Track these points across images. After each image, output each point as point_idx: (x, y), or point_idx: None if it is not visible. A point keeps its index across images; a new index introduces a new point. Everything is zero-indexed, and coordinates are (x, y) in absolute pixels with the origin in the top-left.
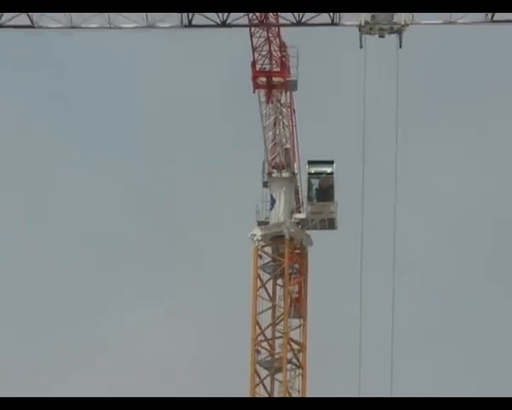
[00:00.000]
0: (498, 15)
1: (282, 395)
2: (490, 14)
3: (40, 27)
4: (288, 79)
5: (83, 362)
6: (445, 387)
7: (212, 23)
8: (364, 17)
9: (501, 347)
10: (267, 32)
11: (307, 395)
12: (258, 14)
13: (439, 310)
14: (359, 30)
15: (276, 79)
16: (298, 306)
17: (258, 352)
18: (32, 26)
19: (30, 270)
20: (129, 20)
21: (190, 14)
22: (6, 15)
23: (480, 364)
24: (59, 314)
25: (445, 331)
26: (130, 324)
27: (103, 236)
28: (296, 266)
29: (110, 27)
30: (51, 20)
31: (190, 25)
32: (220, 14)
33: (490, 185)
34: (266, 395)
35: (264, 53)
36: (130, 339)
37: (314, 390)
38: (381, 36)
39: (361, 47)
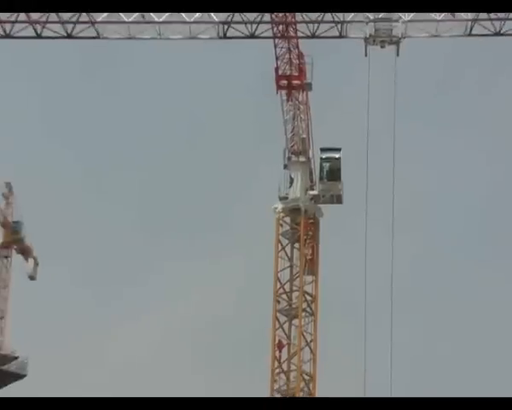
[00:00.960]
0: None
1: (297, 338)
2: (469, 29)
3: (105, 38)
4: (304, 81)
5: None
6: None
7: (242, 35)
8: (369, 30)
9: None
10: (288, 44)
11: (318, 338)
12: (280, 27)
13: (436, 271)
14: (364, 41)
15: (295, 82)
16: (311, 265)
17: (279, 302)
18: (97, 37)
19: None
20: (175, 32)
21: (226, 27)
22: (78, 27)
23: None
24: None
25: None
26: (181, 280)
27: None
28: (310, 233)
29: (160, 38)
30: (113, 32)
31: (225, 36)
32: (249, 27)
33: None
34: (285, 337)
35: (285, 60)
36: (183, 292)
37: (324, 334)
38: (382, 46)
39: (366, 55)
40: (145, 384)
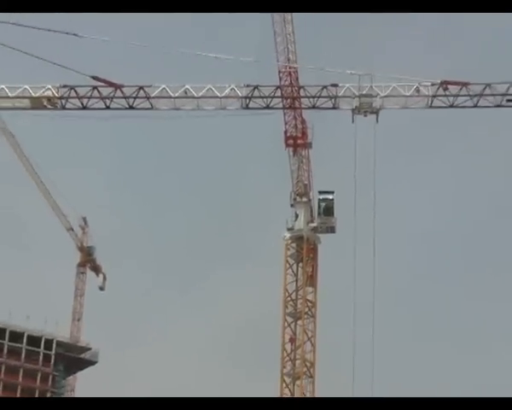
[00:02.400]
0: (436, 102)
1: (301, 334)
2: (430, 102)
3: (157, 109)
4: (306, 141)
5: None
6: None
7: (260, 106)
8: (355, 103)
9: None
10: (294, 113)
11: (316, 334)
12: (288, 101)
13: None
14: (352, 112)
15: (299, 142)
16: (311, 279)
17: (287, 307)
18: (151, 108)
19: None
20: (210, 104)
21: (247, 100)
22: (137, 100)
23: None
24: None
25: None
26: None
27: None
28: (310, 255)
29: (198, 109)
30: (163, 104)
31: (247, 107)
32: (265, 100)
33: None
34: (291, 334)
35: (292, 125)
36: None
37: (322, 332)
38: (365, 115)
39: (352, 122)
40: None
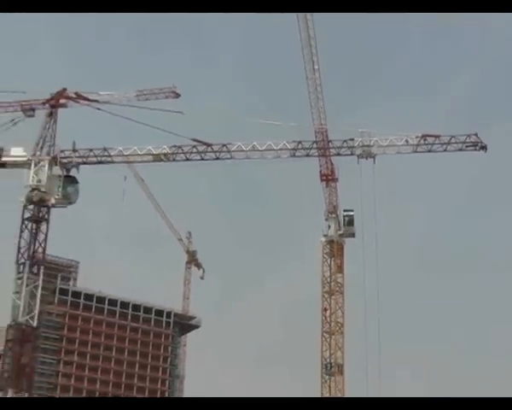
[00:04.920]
0: (419, 149)
1: (334, 305)
2: (415, 149)
3: (234, 158)
4: (334, 177)
5: None
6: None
7: (303, 155)
8: (359, 151)
9: None
10: (325, 158)
11: (345, 305)
12: (321, 151)
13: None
14: (357, 157)
15: (329, 177)
16: (340, 268)
17: (324, 287)
18: (231, 158)
19: None
20: (269, 154)
21: (294, 151)
22: (222, 154)
23: None
24: None
25: None
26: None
27: None
28: (339, 252)
29: (262, 158)
30: (240, 155)
31: (294, 155)
32: (307, 151)
33: None
34: (327, 305)
35: (324, 166)
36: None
37: (348, 303)
38: (366, 159)
39: (358, 163)
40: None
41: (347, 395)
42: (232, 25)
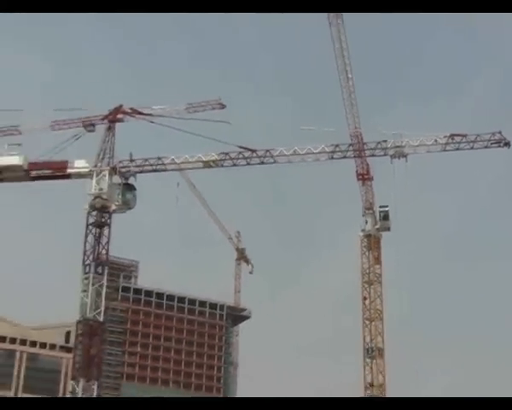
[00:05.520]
0: (447, 147)
1: (373, 294)
2: (444, 148)
3: (278, 162)
4: (370, 176)
5: None
6: None
7: (340, 157)
8: (392, 152)
9: None
10: (361, 159)
11: (383, 293)
12: (357, 153)
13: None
14: (390, 157)
15: (365, 176)
16: (377, 260)
17: (363, 277)
18: (275, 162)
19: None
20: (309, 158)
21: (332, 154)
22: (265, 159)
23: None
24: None
25: None
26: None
27: None
28: (376, 245)
29: (303, 161)
30: (282, 160)
31: (332, 158)
32: (344, 153)
33: None
34: (366, 294)
35: (360, 166)
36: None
37: (385, 291)
38: (399, 158)
39: (391, 163)
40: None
41: (387, 377)
42: (267, 36)
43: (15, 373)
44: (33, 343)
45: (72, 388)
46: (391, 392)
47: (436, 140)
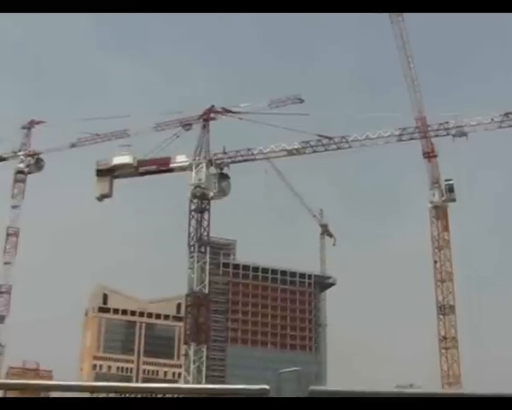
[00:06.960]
0: (503, 125)
1: (443, 258)
2: (500, 125)
3: (351, 147)
4: (434, 154)
5: None
6: None
7: (407, 139)
8: (453, 132)
9: None
10: (426, 139)
11: (452, 258)
12: (422, 134)
13: None
14: (452, 136)
15: (430, 154)
16: (446, 227)
17: (433, 243)
18: (348, 147)
19: None
20: (380, 141)
21: (400, 136)
22: (341, 144)
23: None
24: None
25: None
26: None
27: None
28: (443, 215)
29: (374, 144)
30: (355, 145)
31: (401, 140)
32: (410, 135)
33: None
34: (436, 259)
35: (425, 146)
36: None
37: (454, 255)
38: (460, 137)
39: (453, 141)
40: None
41: (459, 329)
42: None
43: (136, 341)
44: (150, 315)
45: (185, 351)
46: (462, 343)
47: (492, 119)
